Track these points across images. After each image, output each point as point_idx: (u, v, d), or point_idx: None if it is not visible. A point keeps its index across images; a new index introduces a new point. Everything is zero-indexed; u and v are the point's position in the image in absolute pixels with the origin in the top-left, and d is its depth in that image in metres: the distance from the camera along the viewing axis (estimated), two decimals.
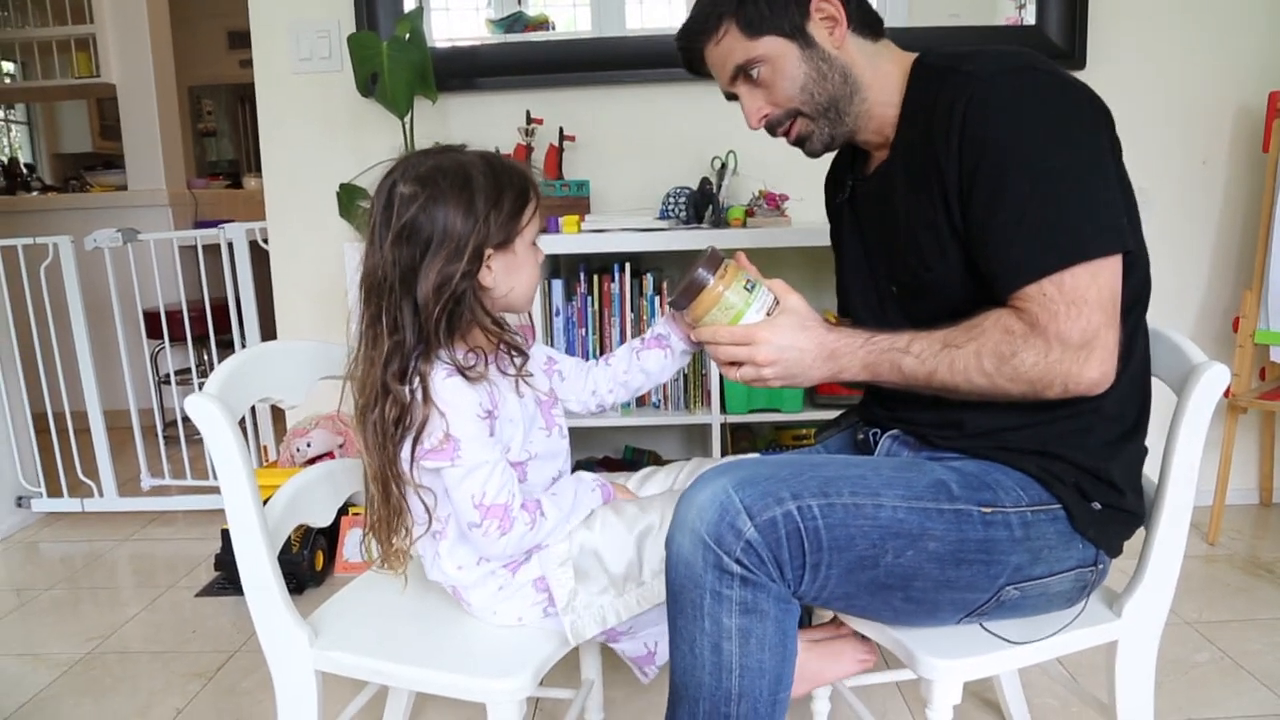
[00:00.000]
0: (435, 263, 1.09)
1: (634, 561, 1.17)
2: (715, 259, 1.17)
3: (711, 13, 1.20)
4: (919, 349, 1.09)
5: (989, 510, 1.07)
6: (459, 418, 1.11)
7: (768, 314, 1.17)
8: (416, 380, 1.11)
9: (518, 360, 1.19)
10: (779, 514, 1.00)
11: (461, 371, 1.12)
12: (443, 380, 1.11)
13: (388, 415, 1.12)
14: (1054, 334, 1.02)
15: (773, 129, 1.25)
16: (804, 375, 1.15)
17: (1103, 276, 1.03)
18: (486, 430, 1.14)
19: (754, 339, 1.14)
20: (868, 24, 1.22)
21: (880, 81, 1.21)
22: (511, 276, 1.16)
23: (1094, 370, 1.04)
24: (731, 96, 1.26)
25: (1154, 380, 1.23)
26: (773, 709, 1.05)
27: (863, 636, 1.29)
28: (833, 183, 1.42)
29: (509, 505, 1.13)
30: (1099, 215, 1.04)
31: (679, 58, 1.28)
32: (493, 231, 1.12)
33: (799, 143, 1.26)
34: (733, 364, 1.18)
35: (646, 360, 1.33)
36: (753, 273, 1.21)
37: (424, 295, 1.10)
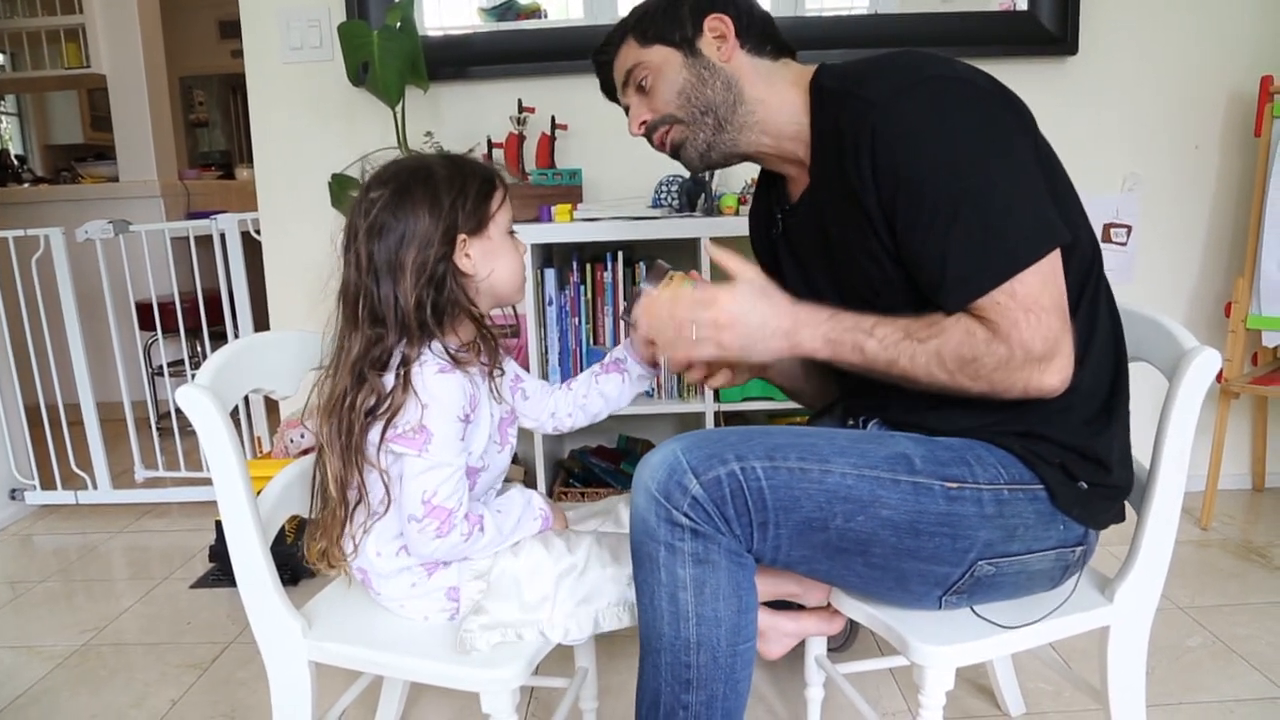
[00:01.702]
0: (410, 251, 1.13)
1: (549, 597, 1.18)
2: (660, 271, 1.20)
3: (617, 30, 1.28)
4: (882, 334, 1.09)
5: (954, 485, 1.08)
6: (440, 413, 1.13)
7: None
8: (400, 369, 1.13)
9: (496, 355, 1.22)
10: (723, 473, 1.04)
11: (453, 359, 1.14)
12: (434, 374, 1.13)
13: (359, 405, 1.14)
14: (1017, 342, 1.03)
15: (650, 135, 1.29)
16: (763, 344, 1.13)
17: (1049, 278, 1.04)
18: (459, 433, 1.15)
19: (716, 301, 1.13)
20: (767, 42, 1.25)
21: (777, 100, 1.23)
22: (490, 261, 1.18)
23: (1055, 377, 1.05)
24: (628, 109, 1.31)
25: (1147, 366, 1.24)
26: (733, 659, 1.09)
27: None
28: (756, 221, 1.43)
29: (454, 511, 1.14)
30: (1026, 218, 1.05)
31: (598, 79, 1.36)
32: (462, 217, 1.15)
33: (675, 152, 1.29)
34: (685, 342, 1.15)
35: (605, 385, 1.35)
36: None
37: (405, 285, 1.12)
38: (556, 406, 1.37)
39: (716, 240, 2.14)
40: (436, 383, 1.13)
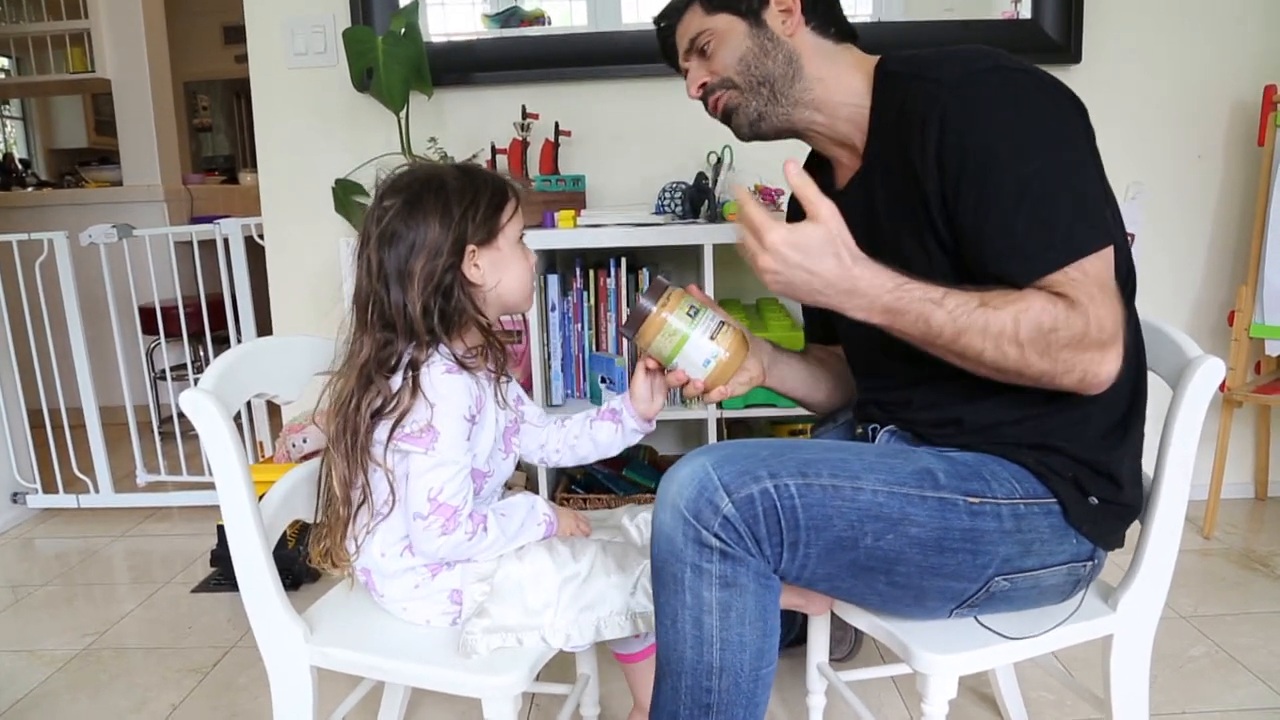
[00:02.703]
0: (419, 260, 1.15)
1: (551, 604, 1.18)
2: (659, 287, 1.20)
3: None
4: (953, 304, 1.03)
5: (976, 500, 1.07)
6: (447, 412, 1.14)
7: (710, 337, 1.19)
8: (408, 372, 1.15)
9: (503, 361, 1.23)
10: (756, 491, 1.01)
11: (460, 363, 1.16)
12: (441, 374, 1.15)
13: (365, 407, 1.15)
14: (1094, 317, 1.00)
15: (706, 98, 1.29)
16: (807, 297, 1.06)
17: (1111, 269, 1.04)
18: (465, 433, 1.17)
19: (766, 240, 1.03)
20: (831, 24, 1.25)
21: (836, 81, 1.23)
22: (499, 271, 1.20)
23: (1111, 365, 1.03)
24: (686, 74, 1.31)
25: (1151, 374, 1.23)
26: (754, 684, 1.07)
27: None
28: (797, 208, 1.40)
29: (459, 509, 1.15)
30: (1089, 210, 1.05)
31: (658, 46, 1.35)
32: (472, 228, 1.16)
33: (726, 117, 1.28)
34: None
35: (598, 431, 1.36)
36: (702, 299, 1.22)
37: (413, 292, 1.14)
38: (547, 439, 1.38)
39: (720, 247, 2.16)
40: (444, 382, 1.15)
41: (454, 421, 1.15)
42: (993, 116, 1.05)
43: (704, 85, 1.28)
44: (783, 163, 1.06)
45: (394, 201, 1.17)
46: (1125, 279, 1.13)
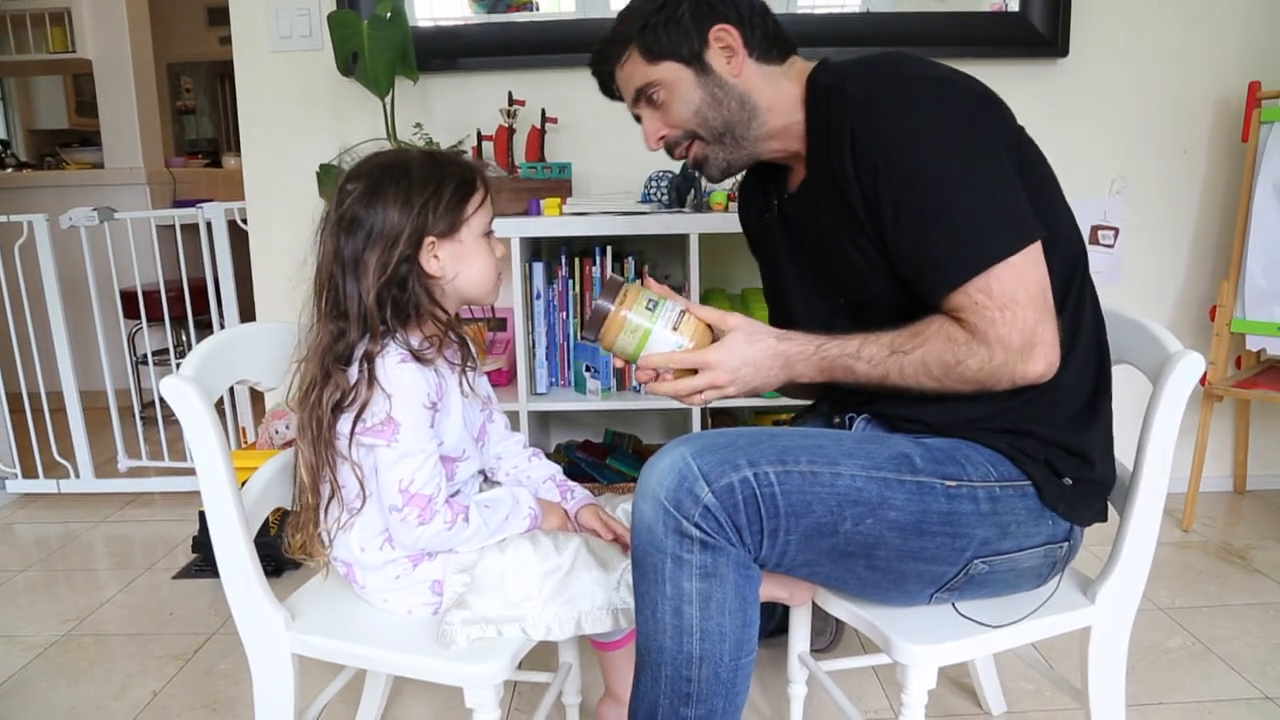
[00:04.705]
0: (375, 250, 1.13)
1: (532, 596, 1.17)
2: (614, 286, 1.19)
3: (617, 39, 1.26)
4: (869, 354, 1.12)
5: (953, 484, 1.09)
6: (405, 402, 1.13)
7: (673, 328, 1.17)
8: (364, 364, 1.14)
9: (465, 351, 1.23)
10: (735, 480, 1.03)
11: (415, 355, 1.15)
12: (396, 365, 1.14)
13: (325, 400, 1.14)
14: (995, 339, 1.05)
15: (671, 149, 1.29)
16: (764, 384, 1.18)
17: (1026, 272, 1.06)
18: (427, 421, 1.16)
19: (706, 364, 1.15)
20: (774, 48, 1.24)
21: (782, 102, 1.24)
22: (459, 264, 1.18)
23: (1039, 365, 1.07)
24: (638, 118, 1.30)
25: (1130, 369, 1.24)
26: (734, 674, 1.08)
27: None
28: (749, 203, 1.45)
29: (433, 497, 1.15)
30: (1000, 214, 1.07)
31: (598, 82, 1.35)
32: (432, 219, 1.15)
33: (698, 166, 1.30)
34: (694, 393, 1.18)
35: (545, 490, 1.36)
36: (659, 291, 1.21)
37: (367, 282, 1.13)
38: (503, 453, 1.39)
39: (705, 236, 2.16)
40: (398, 372, 1.14)
41: (414, 411, 1.14)
42: (898, 131, 1.08)
43: (663, 138, 1.28)
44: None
45: (356, 186, 1.15)
46: (1075, 260, 1.16)
